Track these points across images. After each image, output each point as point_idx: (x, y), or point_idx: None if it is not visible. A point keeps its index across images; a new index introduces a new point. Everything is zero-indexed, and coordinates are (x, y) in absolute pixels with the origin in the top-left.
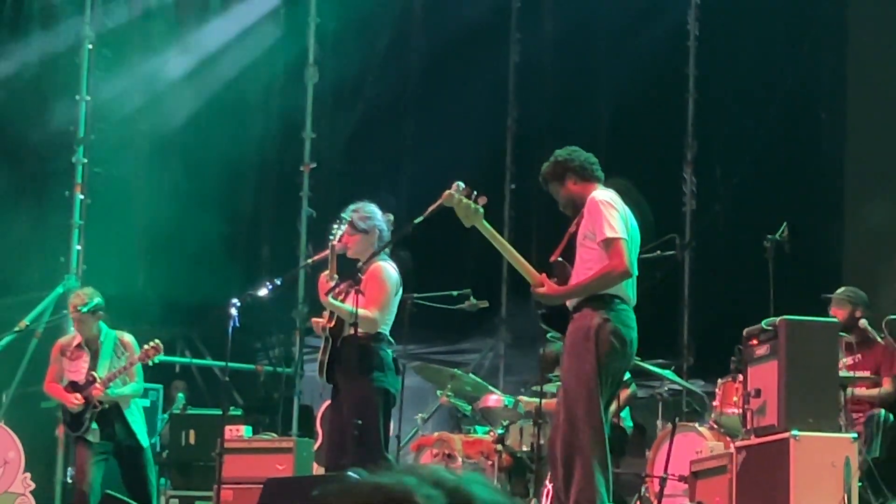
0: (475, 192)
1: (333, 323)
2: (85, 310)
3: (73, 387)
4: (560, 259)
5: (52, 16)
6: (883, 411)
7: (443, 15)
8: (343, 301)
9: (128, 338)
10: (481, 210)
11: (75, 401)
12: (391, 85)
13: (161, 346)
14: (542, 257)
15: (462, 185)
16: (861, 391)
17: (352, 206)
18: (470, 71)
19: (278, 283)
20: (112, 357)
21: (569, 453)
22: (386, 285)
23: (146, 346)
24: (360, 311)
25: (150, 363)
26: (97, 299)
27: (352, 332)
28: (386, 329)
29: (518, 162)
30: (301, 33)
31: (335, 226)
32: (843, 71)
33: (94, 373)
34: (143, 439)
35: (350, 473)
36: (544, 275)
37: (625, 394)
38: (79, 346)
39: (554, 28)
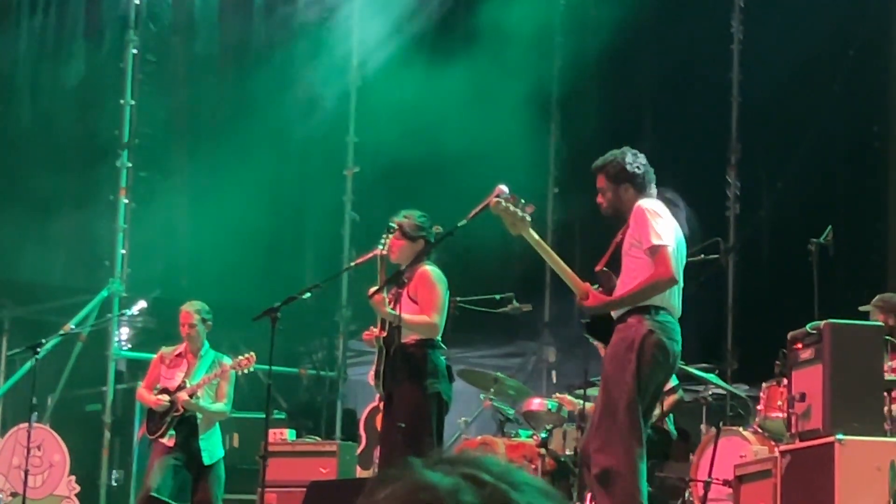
0: (522, 200)
1: (386, 332)
2: (195, 312)
3: (165, 392)
4: (605, 269)
5: (98, 20)
6: None
7: (485, 25)
8: (393, 307)
9: (227, 361)
10: (528, 218)
11: (160, 400)
12: (436, 91)
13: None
14: (585, 262)
15: (507, 190)
16: None
17: (403, 212)
18: (513, 76)
19: (320, 285)
20: (207, 373)
21: (606, 463)
22: (438, 288)
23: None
24: (420, 318)
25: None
26: (197, 307)
27: (404, 339)
28: (438, 334)
29: (560, 167)
30: (345, 38)
31: (385, 233)
32: (887, 74)
33: (186, 380)
34: (215, 456)
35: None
36: (588, 285)
37: (672, 399)
38: (179, 355)
39: (597, 30)
